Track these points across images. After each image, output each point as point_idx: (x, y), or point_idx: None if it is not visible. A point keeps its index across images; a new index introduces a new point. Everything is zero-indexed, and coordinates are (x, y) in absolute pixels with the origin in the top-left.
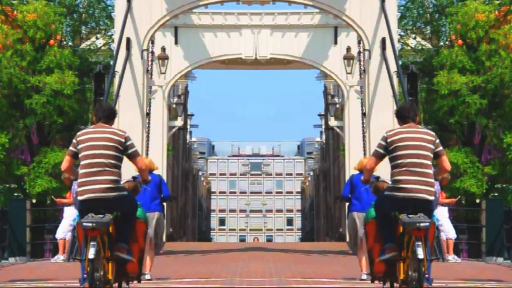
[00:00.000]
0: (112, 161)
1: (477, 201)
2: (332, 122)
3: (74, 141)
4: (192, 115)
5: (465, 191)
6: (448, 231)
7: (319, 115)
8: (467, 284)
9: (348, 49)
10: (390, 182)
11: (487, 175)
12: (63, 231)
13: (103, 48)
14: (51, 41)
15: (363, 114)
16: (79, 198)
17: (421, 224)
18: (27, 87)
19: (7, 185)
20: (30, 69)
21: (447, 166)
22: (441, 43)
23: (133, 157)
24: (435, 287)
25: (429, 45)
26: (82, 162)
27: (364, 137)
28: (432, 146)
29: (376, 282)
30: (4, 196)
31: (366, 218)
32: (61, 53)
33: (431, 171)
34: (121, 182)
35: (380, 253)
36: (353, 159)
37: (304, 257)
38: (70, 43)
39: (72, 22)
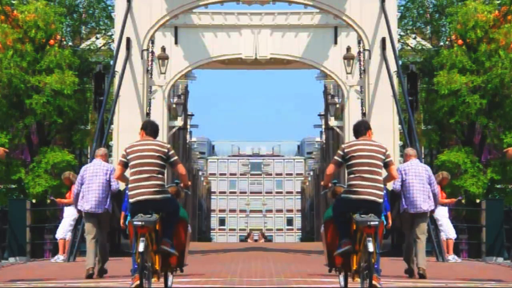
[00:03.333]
0: (158, 168)
1: (477, 201)
2: (332, 122)
3: (124, 153)
4: (192, 115)
5: (465, 190)
6: (448, 231)
7: (319, 115)
8: (467, 284)
9: (348, 49)
10: (345, 187)
11: (490, 178)
12: (63, 231)
13: (103, 48)
14: (51, 41)
15: (363, 114)
16: (131, 200)
17: (372, 223)
18: (27, 87)
19: (7, 186)
20: (30, 69)
21: (395, 174)
22: (441, 43)
23: (175, 164)
24: (436, 287)
25: (429, 45)
26: (132, 170)
27: None
28: (382, 157)
29: (333, 271)
30: (4, 196)
31: (324, 216)
32: (61, 53)
33: (380, 177)
34: (166, 186)
35: (337, 247)
36: None
37: (304, 257)
38: (70, 43)
39: (72, 22)
